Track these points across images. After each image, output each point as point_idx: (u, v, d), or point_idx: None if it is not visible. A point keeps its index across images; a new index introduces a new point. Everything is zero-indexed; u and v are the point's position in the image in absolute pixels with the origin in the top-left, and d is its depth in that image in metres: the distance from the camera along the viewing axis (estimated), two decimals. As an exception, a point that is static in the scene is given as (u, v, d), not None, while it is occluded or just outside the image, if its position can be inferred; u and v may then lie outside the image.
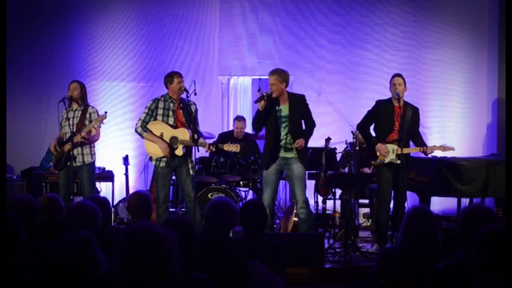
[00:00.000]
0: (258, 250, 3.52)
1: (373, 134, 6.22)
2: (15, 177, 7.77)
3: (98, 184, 7.57)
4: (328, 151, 6.92)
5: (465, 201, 6.87)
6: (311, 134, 6.01)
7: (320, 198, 6.97)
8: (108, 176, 7.71)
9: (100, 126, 6.19)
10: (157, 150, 5.92)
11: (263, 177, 5.97)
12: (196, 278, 2.63)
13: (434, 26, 8.61)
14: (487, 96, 8.48)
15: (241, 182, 7.41)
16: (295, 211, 6.45)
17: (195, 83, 6.37)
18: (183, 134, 5.87)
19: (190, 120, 5.91)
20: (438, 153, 6.56)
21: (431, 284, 2.82)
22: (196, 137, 5.79)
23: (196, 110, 6.10)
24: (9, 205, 3.47)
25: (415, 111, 6.16)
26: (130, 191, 7.33)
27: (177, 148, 5.88)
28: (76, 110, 6.23)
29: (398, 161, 5.93)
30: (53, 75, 8.40)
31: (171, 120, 5.96)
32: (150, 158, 6.06)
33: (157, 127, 5.94)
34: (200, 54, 8.69)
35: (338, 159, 7.41)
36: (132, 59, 8.66)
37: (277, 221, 7.34)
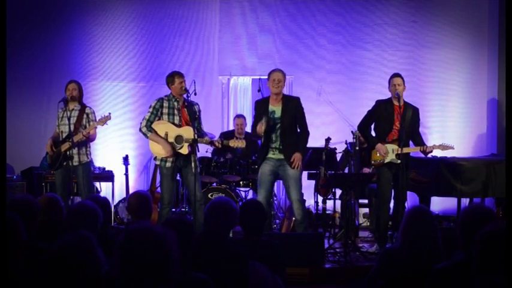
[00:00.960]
0: (257, 250, 3.53)
1: (373, 134, 6.23)
2: (15, 177, 7.77)
3: (97, 184, 7.59)
4: (328, 151, 6.92)
5: (465, 201, 6.87)
6: (305, 143, 5.89)
7: (320, 198, 6.97)
8: (108, 176, 7.71)
9: (97, 127, 6.19)
10: (162, 151, 5.90)
11: (258, 177, 5.94)
12: (197, 278, 2.63)
13: (434, 26, 8.61)
14: (487, 96, 8.48)
15: (241, 182, 7.41)
16: (295, 208, 6.46)
17: (195, 83, 6.38)
18: (188, 132, 5.84)
19: (194, 119, 5.90)
20: (438, 153, 6.56)
21: (431, 284, 2.83)
22: (196, 136, 5.77)
23: (199, 111, 6.10)
24: (9, 205, 3.47)
25: (415, 111, 6.16)
26: (130, 191, 7.33)
27: (182, 147, 5.86)
28: (73, 110, 6.22)
29: (399, 161, 5.93)
30: (53, 75, 8.40)
31: (176, 119, 5.94)
32: (155, 158, 6.03)
33: (162, 127, 5.93)
34: (200, 54, 8.69)
35: (338, 159, 7.41)
36: (132, 59, 8.66)
37: (277, 221, 7.35)
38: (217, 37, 8.71)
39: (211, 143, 5.89)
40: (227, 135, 7.63)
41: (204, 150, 7.42)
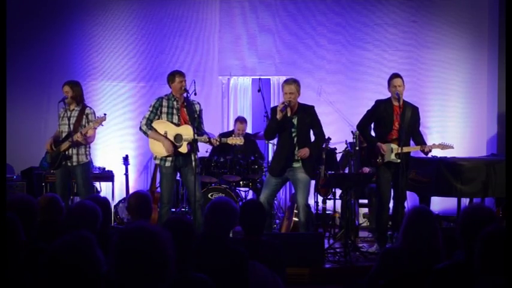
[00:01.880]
0: (257, 250, 3.52)
1: (373, 134, 6.23)
2: (15, 177, 7.77)
3: (97, 184, 7.59)
4: (328, 151, 6.92)
5: (465, 201, 6.87)
6: (319, 145, 5.99)
7: (320, 198, 6.97)
8: (108, 176, 7.71)
9: (96, 128, 6.18)
10: (162, 150, 5.90)
11: (266, 178, 5.96)
12: (197, 278, 2.63)
13: (434, 26, 8.60)
14: (487, 96, 8.48)
15: (241, 182, 7.41)
16: (295, 211, 6.46)
17: (195, 83, 6.38)
18: (187, 131, 5.85)
19: (194, 118, 5.91)
20: (438, 153, 6.56)
21: (432, 284, 2.83)
22: (196, 136, 5.77)
23: (200, 110, 6.10)
24: (7, 205, 3.46)
25: (415, 110, 6.16)
26: (130, 191, 7.33)
27: (181, 146, 5.86)
28: (73, 110, 6.22)
29: (398, 160, 5.93)
30: (52, 75, 8.40)
31: (175, 119, 5.95)
32: (155, 158, 6.03)
33: (161, 126, 5.94)
34: (200, 54, 8.69)
35: (338, 159, 7.41)
36: (132, 59, 8.65)
37: (277, 221, 7.35)
38: (217, 37, 8.70)
39: (209, 141, 5.89)
40: (225, 136, 7.62)
41: (204, 150, 7.42)
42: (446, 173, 6.56)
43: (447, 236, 3.34)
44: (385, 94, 6.32)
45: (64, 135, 6.16)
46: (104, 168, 7.83)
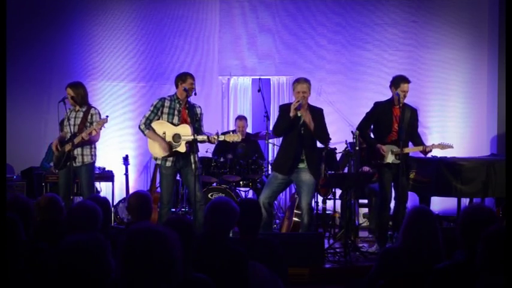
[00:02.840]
0: (254, 249, 3.51)
1: (373, 136, 6.24)
2: (15, 177, 7.77)
3: (98, 184, 7.58)
4: (328, 151, 6.92)
5: (465, 201, 6.87)
6: (325, 143, 6.01)
7: (320, 198, 6.97)
8: (108, 176, 7.71)
9: (101, 129, 6.19)
10: (159, 150, 5.90)
11: (268, 177, 5.95)
12: (197, 279, 2.63)
13: (434, 26, 8.61)
14: (487, 96, 8.49)
15: (241, 182, 7.41)
16: (295, 211, 6.46)
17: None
18: (185, 130, 5.84)
19: (194, 121, 5.91)
20: (438, 153, 6.56)
21: (432, 284, 2.83)
22: (195, 136, 5.77)
23: (201, 114, 6.11)
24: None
25: (414, 112, 6.16)
26: (130, 191, 7.32)
27: (179, 145, 5.85)
28: (78, 110, 6.23)
29: (398, 161, 5.93)
30: (53, 75, 8.41)
31: (175, 120, 5.95)
32: (155, 158, 6.03)
33: (160, 126, 5.94)
34: (200, 54, 8.69)
35: (338, 159, 7.41)
36: (132, 59, 8.66)
37: (277, 221, 7.35)
38: (217, 37, 8.71)
39: (208, 139, 5.88)
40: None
41: (204, 150, 7.42)
42: (446, 173, 6.56)
43: (447, 236, 3.34)
44: (385, 94, 6.32)
45: (69, 135, 6.17)
46: (104, 168, 7.83)
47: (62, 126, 6.45)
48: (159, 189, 6.52)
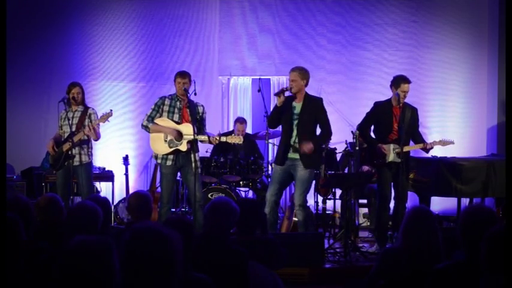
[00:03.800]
0: (250, 249, 3.50)
1: (373, 136, 6.24)
2: (15, 177, 7.77)
3: (97, 184, 7.59)
4: (328, 151, 6.92)
5: (465, 201, 6.88)
6: (324, 141, 5.93)
7: (320, 198, 6.97)
8: (108, 176, 7.71)
9: (99, 125, 6.21)
10: (162, 147, 5.90)
11: (272, 172, 5.98)
12: (197, 278, 2.63)
13: (434, 26, 8.60)
14: (487, 96, 8.48)
15: (241, 182, 7.41)
16: (295, 211, 6.46)
17: (195, 83, 6.37)
18: (187, 129, 5.85)
19: (196, 119, 5.91)
20: (439, 151, 6.57)
21: (432, 284, 2.82)
22: (196, 135, 5.77)
23: (204, 112, 6.12)
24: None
25: (414, 111, 6.17)
26: (130, 191, 7.33)
27: (181, 144, 5.86)
28: (76, 110, 6.24)
29: (399, 160, 5.93)
30: (53, 75, 8.40)
31: (176, 117, 5.97)
32: (156, 157, 6.03)
33: (163, 123, 5.96)
34: (200, 54, 8.69)
35: (338, 159, 7.41)
36: (132, 59, 8.65)
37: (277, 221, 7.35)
38: (217, 37, 8.70)
39: (209, 139, 5.88)
40: (225, 136, 7.62)
41: (204, 150, 7.42)
42: (446, 173, 6.57)
43: (447, 236, 3.34)
44: (385, 94, 6.32)
45: (66, 135, 6.16)
46: (104, 168, 7.83)
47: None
48: (159, 189, 6.52)
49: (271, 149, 7.88)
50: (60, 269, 2.09)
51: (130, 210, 4.25)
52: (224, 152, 7.41)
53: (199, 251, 3.04)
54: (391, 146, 6.01)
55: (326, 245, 6.05)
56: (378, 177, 6.15)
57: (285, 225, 6.70)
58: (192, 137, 5.77)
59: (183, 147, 5.85)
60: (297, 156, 5.74)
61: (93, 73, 8.59)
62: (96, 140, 6.25)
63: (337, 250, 5.98)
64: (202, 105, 6.14)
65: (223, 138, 5.93)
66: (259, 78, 7.63)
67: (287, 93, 5.80)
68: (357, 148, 6.22)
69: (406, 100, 6.14)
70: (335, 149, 7.30)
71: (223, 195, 6.90)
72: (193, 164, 5.73)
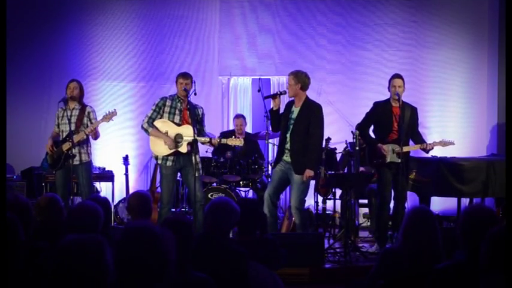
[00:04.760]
0: (250, 249, 3.51)
1: (373, 136, 6.24)
2: (15, 177, 7.77)
3: (97, 184, 7.59)
4: (328, 151, 6.92)
5: (465, 201, 6.87)
6: (314, 156, 5.74)
7: (320, 198, 6.97)
8: (108, 176, 7.71)
9: (100, 123, 6.21)
10: (162, 149, 5.91)
11: (272, 173, 6.08)
12: (198, 278, 2.63)
13: (434, 26, 8.60)
14: (487, 96, 8.48)
15: (241, 182, 7.41)
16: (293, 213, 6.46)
17: (195, 83, 6.38)
18: (187, 130, 5.87)
19: (196, 121, 5.92)
20: (439, 152, 6.56)
21: (432, 284, 2.83)
22: (196, 136, 5.77)
23: (203, 114, 6.13)
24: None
25: (414, 111, 6.17)
26: (130, 191, 7.33)
27: (181, 145, 5.87)
28: (73, 109, 6.23)
29: (399, 160, 5.93)
30: (52, 75, 8.40)
31: (176, 119, 5.98)
32: (156, 158, 6.04)
33: (163, 125, 5.97)
34: (200, 54, 8.69)
35: (338, 159, 7.41)
36: (132, 59, 8.65)
37: (277, 221, 7.34)
38: (217, 37, 8.70)
39: (210, 141, 5.90)
40: (226, 134, 7.62)
41: (204, 150, 7.42)
42: (447, 173, 6.57)
43: (447, 236, 3.34)
44: (385, 94, 6.32)
45: (65, 134, 6.15)
46: (104, 168, 7.83)
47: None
48: (159, 189, 6.52)
49: (271, 149, 7.88)
50: (52, 268, 2.08)
51: (131, 210, 4.26)
52: (223, 151, 7.40)
53: (199, 251, 3.04)
54: (390, 146, 6.01)
55: (326, 245, 6.06)
56: (378, 178, 6.16)
57: (285, 225, 6.70)
58: (191, 138, 5.78)
59: (183, 148, 5.86)
60: (288, 159, 5.81)
61: (93, 73, 8.59)
62: (95, 139, 6.26)
63: (337, 250, 5.98)
64: (201, 107, 6.16)
65: (224, 141, 5.94)
66: (259, 78, 7.61)
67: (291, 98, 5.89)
68: (357, 148, 6.22)
69: (406, 100, 6.15)
70: (335, 149, 7.30)
71: (223, 195, 6.90)
72: (194, 166, 5.74)
